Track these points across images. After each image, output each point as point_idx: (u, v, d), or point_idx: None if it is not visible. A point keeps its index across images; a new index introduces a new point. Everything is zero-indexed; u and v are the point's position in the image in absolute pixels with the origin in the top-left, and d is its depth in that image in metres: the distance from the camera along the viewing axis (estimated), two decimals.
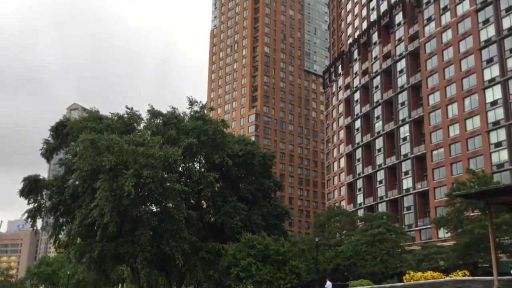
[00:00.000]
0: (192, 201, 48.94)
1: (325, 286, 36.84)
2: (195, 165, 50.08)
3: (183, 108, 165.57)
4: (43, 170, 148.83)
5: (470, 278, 38.70)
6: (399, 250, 66.85)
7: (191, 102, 49.83)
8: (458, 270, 45.00)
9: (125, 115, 48.80)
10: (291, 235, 68.50)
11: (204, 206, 50.85)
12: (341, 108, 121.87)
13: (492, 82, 76.50)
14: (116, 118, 48.10)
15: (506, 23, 76.19)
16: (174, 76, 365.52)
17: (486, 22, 79.33)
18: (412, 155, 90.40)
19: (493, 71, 76.99)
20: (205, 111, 50.96)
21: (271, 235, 43.27)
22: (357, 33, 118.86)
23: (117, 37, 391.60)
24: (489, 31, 78.55)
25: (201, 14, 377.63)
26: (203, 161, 50.71)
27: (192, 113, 49.36)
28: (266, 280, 36.20)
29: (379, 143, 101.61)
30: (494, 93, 76.22)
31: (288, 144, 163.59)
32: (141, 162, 37.63)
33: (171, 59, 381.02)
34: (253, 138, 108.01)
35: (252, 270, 36.15)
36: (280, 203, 56.16)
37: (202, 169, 49.59)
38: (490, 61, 77.71)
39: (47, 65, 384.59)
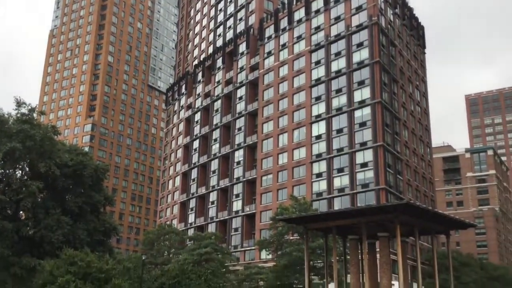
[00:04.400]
0: (8, 211, 44.69)
1: None
2: (17, 172, 45.98)
3: (9, 109, 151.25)
4: None
5: None
6: (224, 270, 68.77)
7: (19, 104, 45.91)
8: None
9: None
10: (117, 253, 66.25)
11: (23, 217, 46.77)
12: (181, 127, 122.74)
13: (319, 118, 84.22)
14: None
15: (334, 66, 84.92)
16: (14, 76, 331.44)
17: (317, 63, 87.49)
18: (244, 179, 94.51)
19: (320, 108, 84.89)
20: (35, 115, 47.31)
21: (95, 251, 41.39)
22: (203, 55, 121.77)
23: None
24: (320, 72, 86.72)
25: (45, 9, 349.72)
26: (27, 169, 46.85)
27: (19, 115, 45.42)
28: None
29: (214, 164, 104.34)
30: (319, 128, 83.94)
31: (124, 158, 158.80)
32: None
33: (11, 55, 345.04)
34: (86, 149, 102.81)
35: None
36: (109, 218, 54.13)
37: (25, 177, 45.73)
38: (318, 98, 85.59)
39: None
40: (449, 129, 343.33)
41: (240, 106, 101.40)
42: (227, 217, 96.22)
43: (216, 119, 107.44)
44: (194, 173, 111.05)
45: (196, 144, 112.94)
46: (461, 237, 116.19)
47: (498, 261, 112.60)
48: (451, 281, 37.04)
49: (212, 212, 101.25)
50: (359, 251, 38.59)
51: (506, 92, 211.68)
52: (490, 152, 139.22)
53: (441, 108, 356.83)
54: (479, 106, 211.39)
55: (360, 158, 77.59)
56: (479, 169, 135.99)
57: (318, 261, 57.22)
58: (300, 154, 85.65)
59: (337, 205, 76.75)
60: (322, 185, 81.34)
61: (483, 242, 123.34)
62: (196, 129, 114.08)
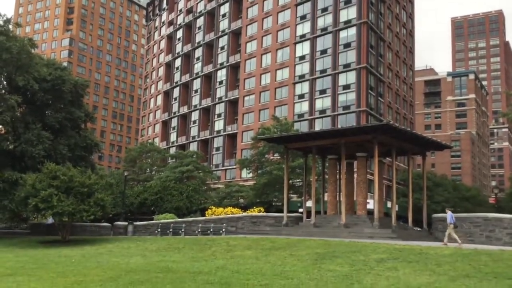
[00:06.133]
0: None
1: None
2: None
3: None
4: None
5: (264, 214, 43.00)
6: (205, 187, 70.31)
7: None
8: (254, 207, 49.44)
9: None
10: (100, 169, 66.92)
11: (3, 132, 46.43)
12: (163, 44, 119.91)
13: (303, 38, 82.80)
14: None
15: None
16: None
17: None
18: (226, 99, 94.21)
19: (304, 28, 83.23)
20: (10, 27, 45.52)
21: (77, 167, 41.63)
22: None
23: None
24: None
25: None
26: (4, 82, 45.84)
27: None
28: (67, 212, 34.95)
29: (196, 84, 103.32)
30: (304, 49, 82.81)
31: (104, 75, 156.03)
32: None
33: None
34: (65, 64, 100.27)
35: (53, 202, 34.38)
36: (90, 134, 54.00)
37: (3, 91, 44.86)
38: (303, 17, 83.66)
39: None
40: (434, 52, 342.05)
41: (224, 24, 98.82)
42: (208, 137, 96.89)
43: (199, 37, 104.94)
44: (176, 92, 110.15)
45: (178, 62, 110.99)
46: (436, 159, 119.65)
47: (471, 182, 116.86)
48: (424, 200, 38.58)
49: (194, 131, 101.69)
50: (337, 170, 39.65)
51: (492, 15, 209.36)
52: (471, 76, 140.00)
53: (427, 31, 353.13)
54: (464, 30, 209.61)
55: (343, 80, 77.46)
56: (459, 93, 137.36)
57: (297, 180, 58.68)
58: (283, 74, 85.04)
59: (318, 126, 77.49)
60: (304, 106, 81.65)
61: (457, 164, 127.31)
62: (178, 47, 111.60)
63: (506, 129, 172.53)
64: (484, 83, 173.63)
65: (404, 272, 15.84)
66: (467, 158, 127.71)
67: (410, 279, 14.41)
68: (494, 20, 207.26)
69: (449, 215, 26.49)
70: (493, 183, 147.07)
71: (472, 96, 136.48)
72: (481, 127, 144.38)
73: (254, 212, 44.94)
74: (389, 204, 62.45)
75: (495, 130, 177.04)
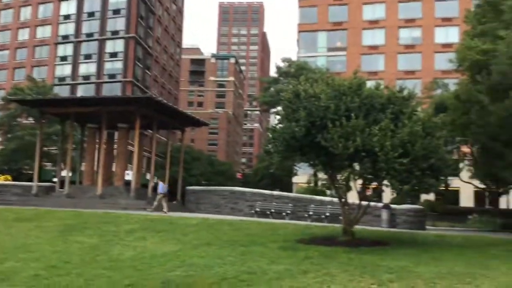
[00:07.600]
0: None
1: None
2: None
3: None
4: None
5: (11, 183, 39.51)
6: None
7: None
8: (1, 175, 44.98)
9: None
10: None
11: None
12: None
13: None
14: None
15: None
16: None
17: None
18: None
19: None
20: None
21: None
22: None
23: None
24: None
25: None
26: None
27: None
28: None
29: None
30: (69, 7, 77.47)
31: None
32: None
33: None
34: None
35: None
36: None
37: None
38: None
39: None
40: (204, 33, 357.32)
41: None
42: None
43: None
44: None
45: None
46: (196, 135, 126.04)
47: (224, 158, 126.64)
48: (180, 172, 40.47)
49: None
50: (97, 140, 38.60)
51: (254, 6, 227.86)
52: (232, 60, 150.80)
53: (200, 12, 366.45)
54: (230, 15, 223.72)
55: (110, 47, 75.18)
56: (221, 74, 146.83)
57: (53, 148, 55.28)
58: (44, 32, 78.24)
59: (81, 92, 73.79)
60: (66, 70, 76.76)
61: (214, 141, 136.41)
62: None
63: (258, 112, 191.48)
64: (243, 68, 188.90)
65: (152, 241, 16.46)
66: (223, 136, 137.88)
67: (156, 248, 15.06)
68: (256, 11, 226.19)
69: (160, 186, 29.00)
70: (243, 160, 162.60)
71: (232, 79, 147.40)
72: (237, 108, 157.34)
73: (0, 180, 40.96)
74: (148, 176, 63.63)
75: (249, 112, 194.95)
